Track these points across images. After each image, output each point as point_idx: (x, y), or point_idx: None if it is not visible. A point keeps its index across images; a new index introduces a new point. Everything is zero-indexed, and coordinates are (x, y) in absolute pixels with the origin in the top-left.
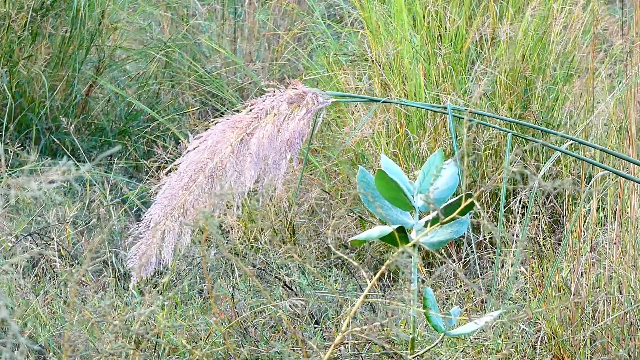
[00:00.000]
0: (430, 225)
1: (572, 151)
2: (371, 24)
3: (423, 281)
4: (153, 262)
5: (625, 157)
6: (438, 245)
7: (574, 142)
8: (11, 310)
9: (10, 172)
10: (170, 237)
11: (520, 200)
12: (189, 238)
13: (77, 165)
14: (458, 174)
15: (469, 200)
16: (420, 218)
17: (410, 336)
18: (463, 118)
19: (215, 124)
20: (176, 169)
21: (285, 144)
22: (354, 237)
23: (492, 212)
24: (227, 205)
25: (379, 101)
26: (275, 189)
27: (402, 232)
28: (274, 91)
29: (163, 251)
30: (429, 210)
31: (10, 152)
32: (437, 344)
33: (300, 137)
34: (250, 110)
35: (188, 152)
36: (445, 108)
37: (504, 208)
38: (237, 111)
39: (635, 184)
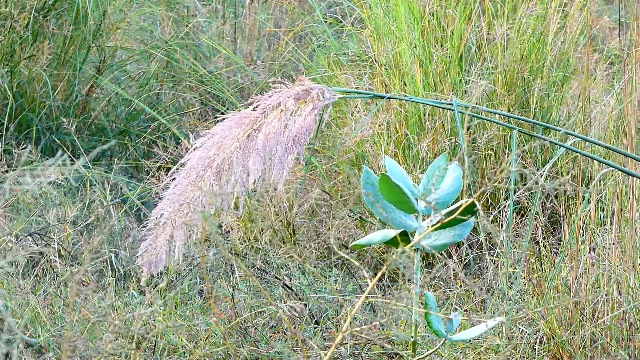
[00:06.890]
0: (434, 229)
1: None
2: (372, 24)
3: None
4: (163, 259)
5: (630, 155)
6: (441, 248)
7: (577, 139)
8: (8, 309)
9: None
10: (179, 233)
11: (519, 201)
12: (198, 234)
13: (74, 161)
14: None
15: (469, 202)
16: (423, 221)
17: (412, 338)
18: (468, 114)
19: (222, 120)
20: (183, 166)
21: (292, 139)
22: (356, 242)
23: (492, 212)
24: (235, 203)
25: (384, 97)
26: (275, 188)
27: (405, 236)
28: (281, 87)
29: (172, 248)
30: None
31: (15, 152)
32: (438, 348)
33: (307, 132)
34: (257, 107)
35: (195, 148)
36: (451, 104)
37: (503, 209)
38: (238, 111)
39: (635, 184)
